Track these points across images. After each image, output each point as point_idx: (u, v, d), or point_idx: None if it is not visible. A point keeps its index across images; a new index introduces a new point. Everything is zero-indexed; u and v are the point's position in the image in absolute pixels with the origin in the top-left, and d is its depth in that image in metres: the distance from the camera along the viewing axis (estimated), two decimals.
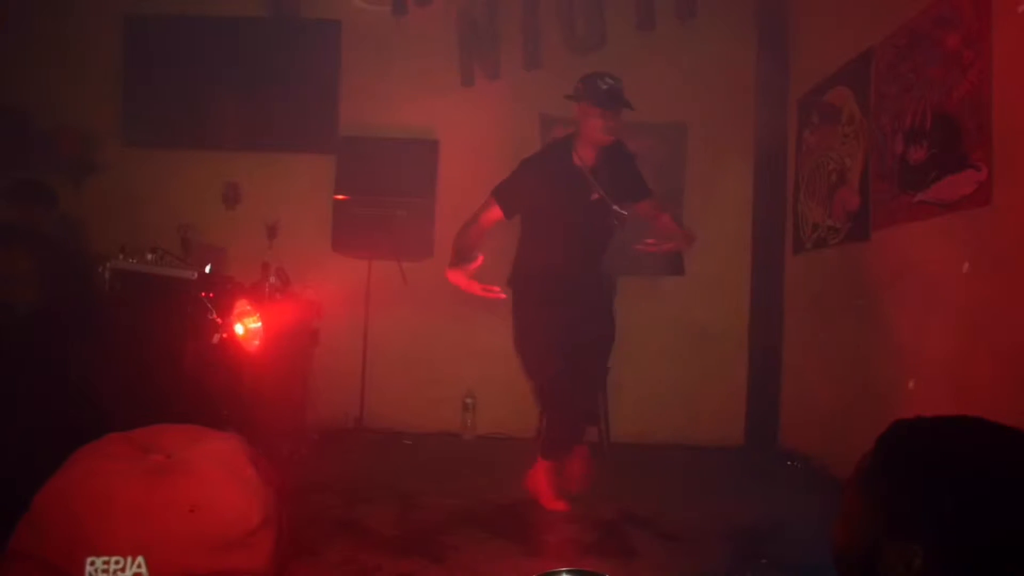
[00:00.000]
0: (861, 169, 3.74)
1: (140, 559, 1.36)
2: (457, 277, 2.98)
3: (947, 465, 1.07)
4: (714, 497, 3.49)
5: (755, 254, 4.89)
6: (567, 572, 1.49)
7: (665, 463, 4.27)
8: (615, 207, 3.21)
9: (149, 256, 3.36)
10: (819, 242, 4.25)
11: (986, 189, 2.72)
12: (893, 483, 1.10)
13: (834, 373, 4.01)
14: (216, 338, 3.23)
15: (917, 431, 1.16)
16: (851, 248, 3.85)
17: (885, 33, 3.50)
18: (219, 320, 3.25)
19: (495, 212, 3.21)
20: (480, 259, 2.99)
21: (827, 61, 4.16)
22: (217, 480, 1.55)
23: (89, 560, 1.35)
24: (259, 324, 3.47)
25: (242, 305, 3.40)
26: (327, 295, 4.46)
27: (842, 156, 3.97)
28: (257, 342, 3.46)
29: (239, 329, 3.35)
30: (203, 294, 3.27)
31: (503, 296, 3.05)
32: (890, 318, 3.43)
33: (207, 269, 3.39)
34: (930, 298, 3.12)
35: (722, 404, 4.82)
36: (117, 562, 1.35)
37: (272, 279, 3.85)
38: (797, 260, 4.61)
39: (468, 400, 4.76)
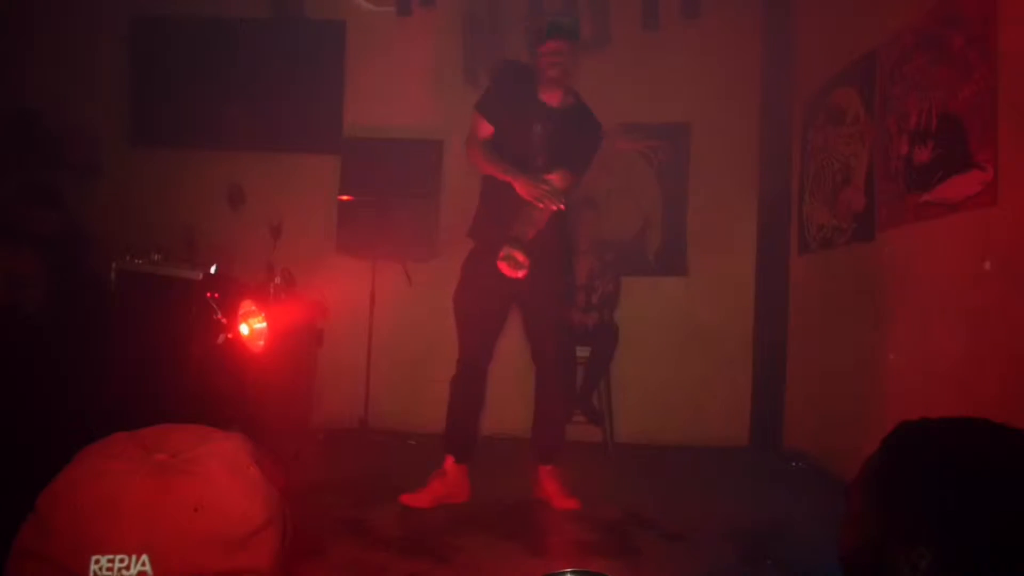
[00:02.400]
0: (866, 169, 3.74)
1: (145, 557, 1.36)
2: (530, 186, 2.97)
3: (953, 467, 1.07)
4: (718, 497, 3.48)
5: (760, 254, 4.89)
6: (572, 572, 1.49)
7: (669, 464, 4.26)
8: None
9: (155, 256, 3.38)
10: (824, 242, 4.24)
11: (992, 190, 2.71)
12: (898, 485, 1.10)
13: (839, 374, 4.00)
14: (221, 338, 3.24)
15: (922, 433, 1.16)
16: (856, 249, 3.84)
17: (890, 33, 3.50)
18: (224, 320, 3.26)
19: (485, 128, 3.14)
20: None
21: (832, 61, 4.16)
22: (221, 480, 1.55)
23: (94, 558, 1.35)
24: (264, 324, 3.48)
25: (247, 305, 3.41)
26: (331, 295, 4.47)
27: (847, 156, 3.96)
28: (262, 342, 3.47)
29: (244, 329, 3.36)
30: (208, 294, 3.28)
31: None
32: (895, 319, 3.42)
33: (212, 269, 3.39)
34: (935, 299, 3.11)
35: (726, 404, 4.81)
36: (122, 560, 1.35)
37: (277, 279, 3.86)
38: (802, 260, 4.60)
39: None
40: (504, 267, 2.92)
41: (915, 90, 3.26)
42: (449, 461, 3.22)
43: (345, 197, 4.70)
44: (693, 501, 3.35)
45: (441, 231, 4.81)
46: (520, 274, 2.92)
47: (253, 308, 3.45)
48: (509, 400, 4.61)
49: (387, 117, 4.87)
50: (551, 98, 3.15)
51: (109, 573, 1.32)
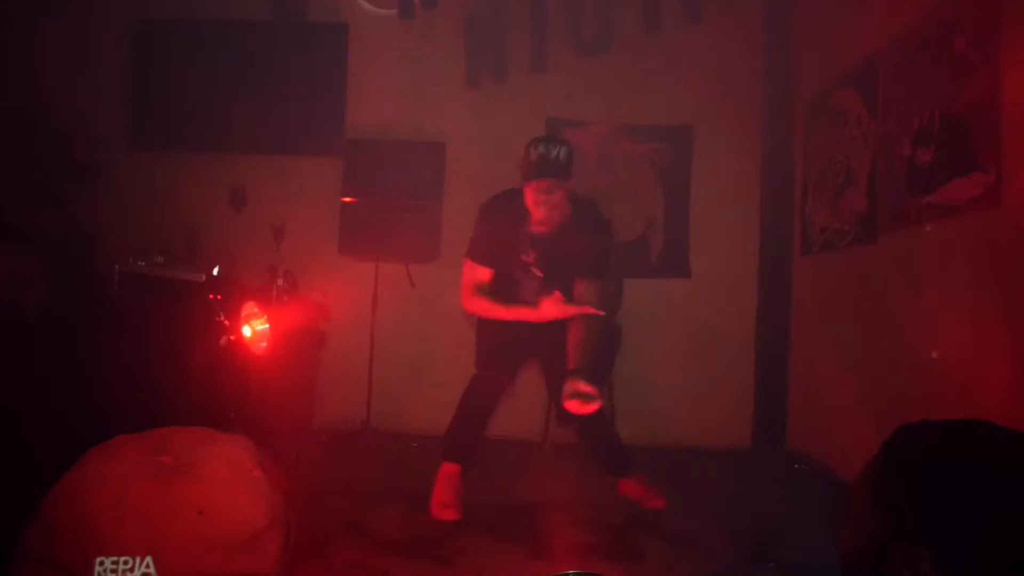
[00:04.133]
0: (869, 172, 3.74)
1: (148, 559, 1.37)
2: (552, 309, 2.85)
3: (953, 469, 1.07)
4: (721, 500, 3.48)
5: (762, 256, 4.88)
6: (574, 575, 1.49)
7: (671, 466, 4.26)
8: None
9: (158, 259, 3.38)
10: (826, 244, 4.24)
11: (995, 192, 2.71)
12: (899, 487, 1.10)
13: (842, 376, 3.99)
14: (224, 340, 3.25)
15: (923, 435, 1.16)
16: (859, 251, 3.84)
17: (892, 35, 3.49)
18: (227, 322, 3.26)
19: (482, 273, 3.04)
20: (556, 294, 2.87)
21: (834, 63, 4.16)
22: (225, 482, 1.55)
23: (98, 560, 1.36)
24: (266, 326, 3.48)
25: (250, 307, 3.42)
26: (334, 297, 4.47)
27: (849, 158, 3.96)
28: (264, 344, 3.47)
29: (247, 331, 3.36)
30: (211, 296, 3.28)
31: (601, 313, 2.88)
32: (897, 321, 3.42)
33: (215, 271, 3.40)
34: (938, 301, 3.11)
35: (729, 406, 4.81)
36: (126, 562, 1.36)
37: (279, 281, 3.87)
38: (804, 262, 4.60)
39: None
40: (574, 405, 2.68)
41: (917, 92, 3.26)
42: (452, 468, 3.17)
43: (347, 199, 4.71)
44: (695, 503, 3.35)
45: (444, 233, 4.82)
46: (593, 407, 2.68)
47: (256, 310, 3.45)
48: (508, 404, 4.61)
49: (389, 119, 4.88)
50: (541, 228, 2.97)
51: (113, 575, 1.33)
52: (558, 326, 2.94)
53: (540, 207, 2.89)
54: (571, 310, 2.86)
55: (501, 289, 3.07)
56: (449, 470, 3.14)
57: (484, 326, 3.22)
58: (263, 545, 1.55)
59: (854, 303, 3.90)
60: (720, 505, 3.36)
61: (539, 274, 3.08)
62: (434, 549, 2.58)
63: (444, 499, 3.03)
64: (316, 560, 2.37)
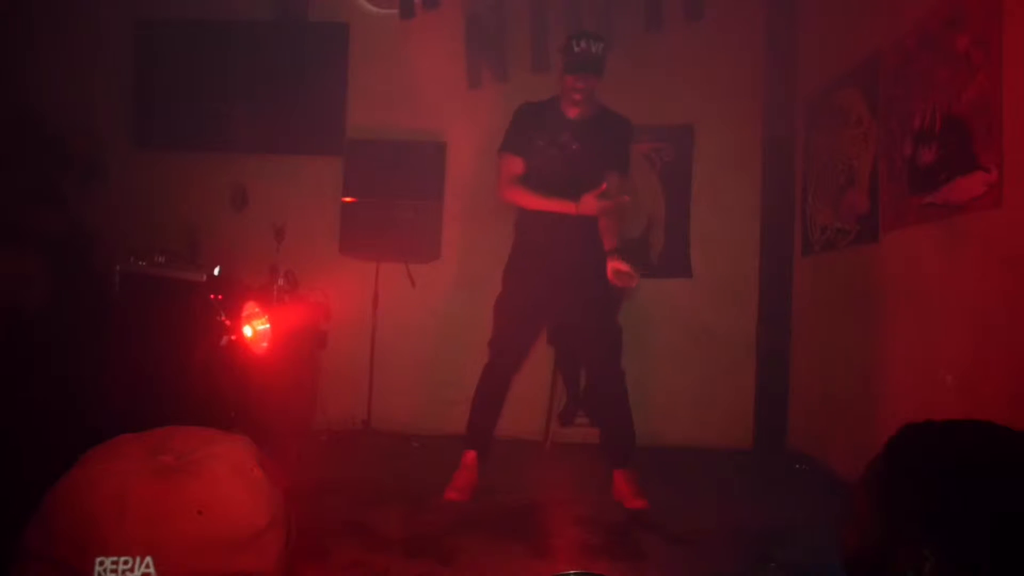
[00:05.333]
0: (870, 171, 3.73)
1: (148, 559, 1.36)
2: (592, 204, 3.04)
3: (956, 469, 1.07)
4: (722, 500, 3.48)
5: (763, 256, 4.88)
6: (576, 575, 1.49)
7: (673, 466, 4.26)
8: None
9: (159, 258, 3.38)
10: (828, 244, 4.23)
11: (996, 191, 2.70)
12: (902, 487, 1.09)
13: (843, 376, 3.99)
14: (225, 340, 3.25)
15: (927, 435, 1.16)
16: (860, 250, 3.83)
17: (894, 34, 3.49)
18: (228, 322, 3.26)
19: (514, 164, 3.23)
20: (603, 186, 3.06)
21: (835, 62, 4.15)
22: (225, 482, 1.55)
23: (98, 560, 1.35)
24: (267, 326, 3.49)
25: (251, 307, 3.42)
26: (335, 297, 4.47)
27: (850, 158, 3.96)
28: (265, 344, 3.47)
29: (247, 331, 3.36)
30: (212, 296, 3.28)
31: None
32: (899, 321, 3.42)
33: (216, 271, 3.40)
34: (940, 301, 3.11)
35: (730, 406, 4.81)
36: (126, 562, 1.35)
37: (280, 281, 3.87)
38: (806, 262, 4.60)
39: None
40: (621, 280, 3.02)
41: (919, 91, 3.25)
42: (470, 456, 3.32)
43: (348, 199, 4.71)
44: (697, 503, 3.35)
45: (444, 233, 4.82)
46: (635, 282, 3.04)
47: (256, 310, 3.45)
48: (508, 403, 4.60)
49: (390, 119, 4.88)
50: (574, 113, 3.27)
51: (113, 575, 1.33)
52: (580, 280, 3.17)
53: (578, 95, 3.16)
54: (608, 205, 3.05)
55: (534, 188, 3.21)
56: (467, 458, 3.31)
57: (502, 303, 3.32)
58: (264, 545, 1.54)
59: (855, 303, 3.90)
60: (721, 505, 3.35)
61: (574, 147, 3.24)
62: (435, 548, 2.58)
63: (457, 484, 3.23)
64: (317, 559, 2.36)
